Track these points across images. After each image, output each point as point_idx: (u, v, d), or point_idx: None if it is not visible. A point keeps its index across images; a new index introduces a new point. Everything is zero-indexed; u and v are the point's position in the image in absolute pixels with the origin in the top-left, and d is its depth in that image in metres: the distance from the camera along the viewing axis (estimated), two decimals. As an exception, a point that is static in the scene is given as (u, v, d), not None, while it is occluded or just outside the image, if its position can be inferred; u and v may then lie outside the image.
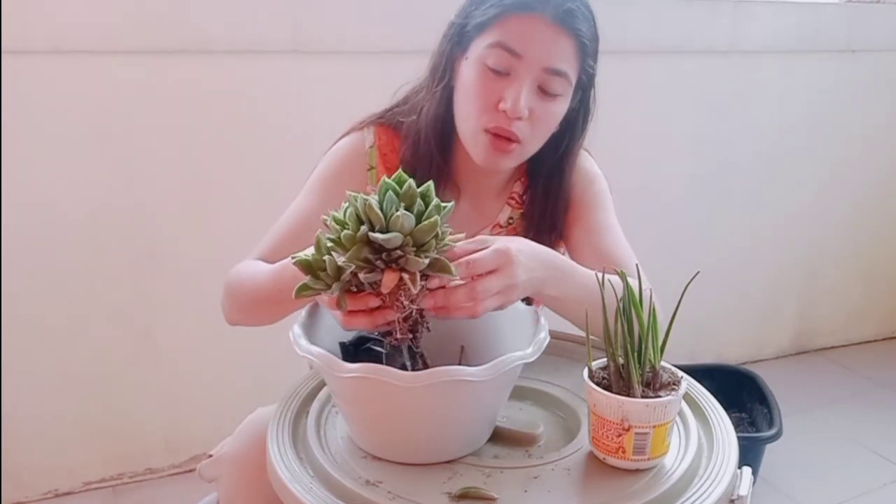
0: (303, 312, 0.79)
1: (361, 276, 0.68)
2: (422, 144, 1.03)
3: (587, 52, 0.96)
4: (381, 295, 0.70)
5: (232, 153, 1.63)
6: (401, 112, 1.06)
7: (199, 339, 1.70)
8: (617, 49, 1.89)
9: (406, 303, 0.71)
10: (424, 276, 0.71)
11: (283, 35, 1.58)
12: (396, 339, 0.73)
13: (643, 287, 0.77)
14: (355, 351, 0.75)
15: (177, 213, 1.62)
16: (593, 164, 1.12)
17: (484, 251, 0.75)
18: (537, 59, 0.93)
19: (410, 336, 0.73)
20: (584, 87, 1.01)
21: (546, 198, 1.06)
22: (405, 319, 0.73)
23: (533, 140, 0.98)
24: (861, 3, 2.21)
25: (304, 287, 0.71)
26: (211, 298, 1.66)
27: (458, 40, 0.99)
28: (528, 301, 0.84)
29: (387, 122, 1.07)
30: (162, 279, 1.64)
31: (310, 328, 0.77)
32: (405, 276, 0.68)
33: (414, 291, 0.70)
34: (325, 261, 0.70)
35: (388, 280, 0.68)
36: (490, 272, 0.74)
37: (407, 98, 1.07)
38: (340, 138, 1.08)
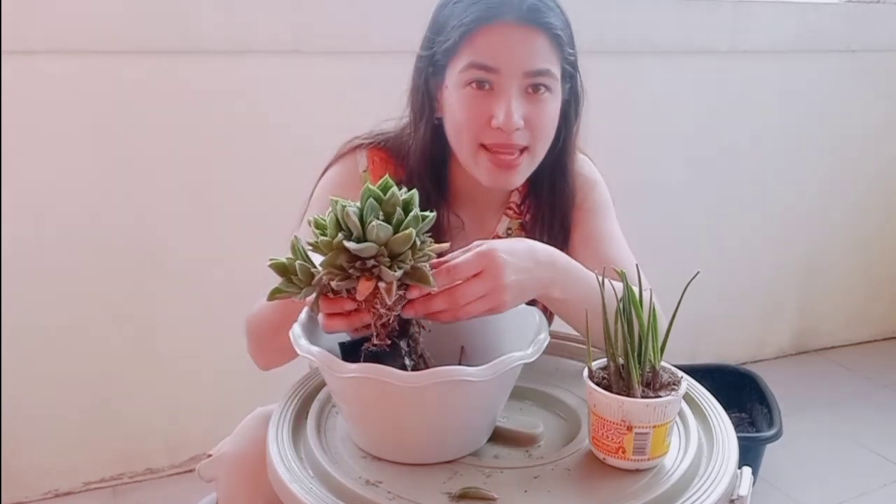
0: (303, 313, 0.79)
1: (334, 283, 0.69)
2: (415, 181, 1.00)
3: (562, 42, 0.93)
4: (357, 301, 0.71)
5: (232, 153, 1.62)
6: (393, 139, 1.04)
7: (199, 339, 1.70)
8: (616, 49, 1.91)
9: (382, 310, 0.71)
10: (404, 286, 0.71)
11: (283, 35, 1.58)
12: (374, 345, 0.73)
13: (643, 288, 0.76)
14: (355, 351, 0.75)
15: (177, 213, 1.62)
16: (594, 170, 1.10)
17: (466, 255, 0.74)
18: (515, 66, 0.91)
19: (389, 342, 0.73)
20: (571, 77, 0.99)
21: (552, 194, 1.05)
22: (383, 326, 0.73)
23: (538, 145, 0.96)
24: (861, 3, 2.21)
25: (277, 290, 0.72)
26: (211, 298, 1.67)
27: (432, 71, 0.97)
28: (530, 301, 0.84)
29: (380, 146, 1.04)
30: (162, 279, 1.64)
31: (310, 328, 0.77)
32: (381, 285, 0.69)
33: (388, 301, 0.70)
34: (296, 266, 0.70)
35: (363, 288, 0.68)
36: (473, 276, 0.73)
37: (395, 132, 1.05)
38: (329, 166, 1.06)
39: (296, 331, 0.75)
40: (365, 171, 1.03)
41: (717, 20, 2.01)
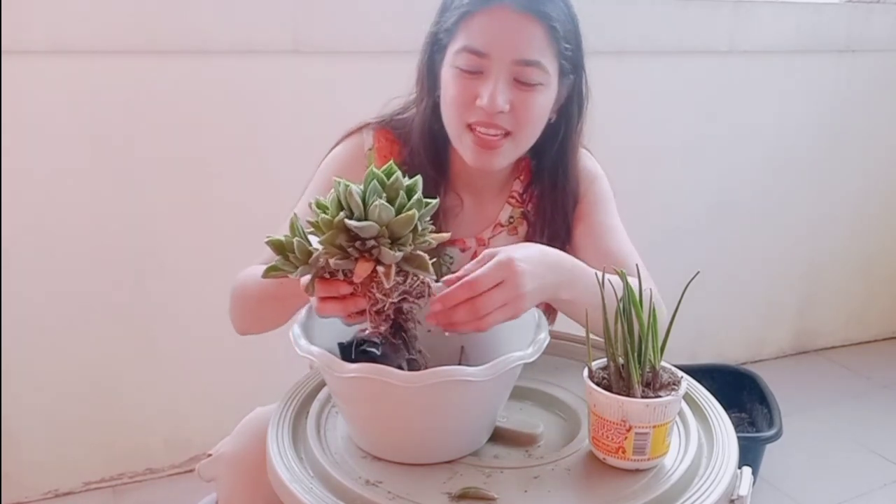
0: (303, 312, 0.79)
1: (332, 261, 0.68)
2: (415, 158, 1.02)
3: (559, 35, 0.93)
4: (354, 284, 0.70)
5: (232, 153, 1.62)
6: (399, 120, 1.06)
7: (199, 339, 1.70)
8: (616, 49, 1.91)
9: (379, 295, 0.70)
10: (403, 272, 0.70)
11: (283, 35, 1.58)
12: (367, 332, 0.73)
13: (644, 287, 0.76)
14: (354, 351, 0.75)
15: (177, 213, 1.62)
16: (595, 164, 1.11)
17: (485, 266, 0.74)
18: (505, 53, 0.91)
19: (385, 327, 0.73)
20: (573, 73, 0.99)
21: (554, 191, 1.05)
22: (377, 312, 0.72)
23: (522, 132, 0.96)
24: (861, 3, 2.21)
25: (274, 268, 0.71)
26: (211, 298, 1.67)
27: (436, 49, 0.99)
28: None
29: (385, 126, 1.06)
30: (162, 279, 1.64)
31: (310, 328, 0.77)
32: (379, 268, 0.68)
33: (387, 285, 0.69)
34: (294, 242, 0.69)
35: (361, 270, 0.68)
36: (494, 286, 0.73)
37: (401, 110, 1.07)
38: (337, 144, 1.08)
39: (295, 331, 0.75)
40: (370, 149, 1.04)
41: (717, 20, 2.01)
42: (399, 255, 0.68)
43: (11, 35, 1.39)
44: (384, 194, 0.69)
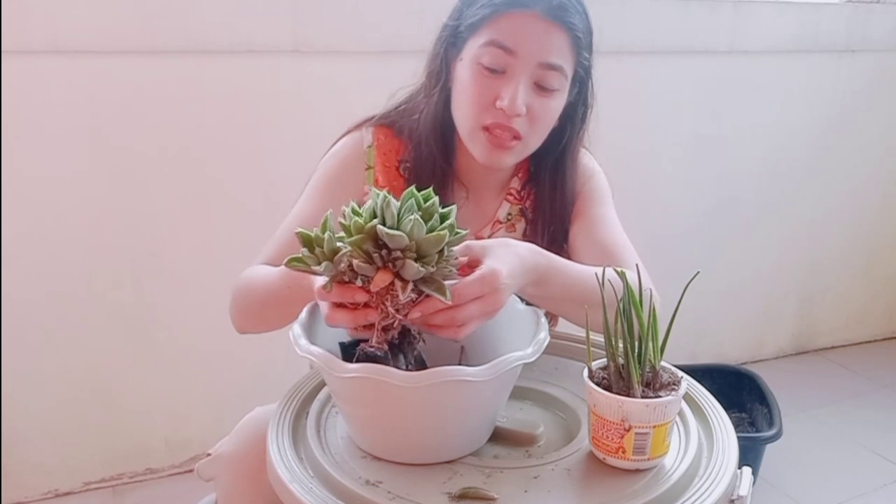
0: (303, 312, 0.79)
1: (355, 263, 0.68)
2: (423, 148, 1.03)
3: (581, 44, 0.97)
4: (370, 294, 0.70)
5: (232, 153, 1.63)
6: (399, 114, 1.07)
7: (199, 339, 1.70)
8: (617, 49, 1.91)
9: (391, 310, 0.71)
10: (418, 291, 0.70)
11: (283, 35, 1.58)
12: (371, 346, 0.72)
13: (643, 286, 0.76)
14: (354, 351, 0.75)
15: (177, 213, 1.62)
16: (592, 160, 1.12)
17: (471, 278, 0.74)
18: (532, 54, 0.93)
19: (386, 347, 0.73)
20: (582, 81, 1.01)
21: (553, 192, 1.06)
22: (385, 329, 0.72)
23: (533, 136, 0.98)
24: (861, 3, 2.21)
25: (297, 259, 0.71)
26: (211, 298, 1.67)
27: (452, 42, 1.00)
28: (527, 301, 0.84)
29: (385, 123, 1.07)
30: (162, 279, 1.64)
31: (310, 328, 0.77)
32: (398, 281, 0.68)
33: (401, 300, 0.69)
34: (324, 238, 0.70)
35: (380, 279, 0.68)
36: (474, 299, 0.73)
37: (404, 101, 1.07)
38: (338, 140, 1.09)
39: (296, 331, 0.75)
40: (370, 146, 1.05)
41: (717, 20, 2.01)
42: (421, 272, 0.68)
43: (11, 35, 1.39)
44: (419, 213, 0.70)
